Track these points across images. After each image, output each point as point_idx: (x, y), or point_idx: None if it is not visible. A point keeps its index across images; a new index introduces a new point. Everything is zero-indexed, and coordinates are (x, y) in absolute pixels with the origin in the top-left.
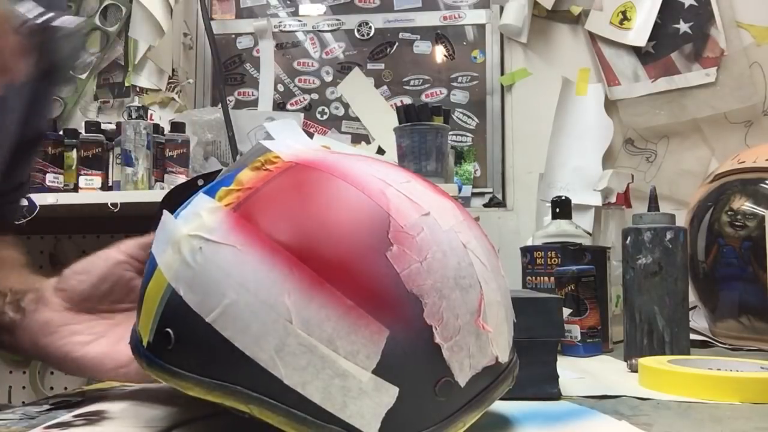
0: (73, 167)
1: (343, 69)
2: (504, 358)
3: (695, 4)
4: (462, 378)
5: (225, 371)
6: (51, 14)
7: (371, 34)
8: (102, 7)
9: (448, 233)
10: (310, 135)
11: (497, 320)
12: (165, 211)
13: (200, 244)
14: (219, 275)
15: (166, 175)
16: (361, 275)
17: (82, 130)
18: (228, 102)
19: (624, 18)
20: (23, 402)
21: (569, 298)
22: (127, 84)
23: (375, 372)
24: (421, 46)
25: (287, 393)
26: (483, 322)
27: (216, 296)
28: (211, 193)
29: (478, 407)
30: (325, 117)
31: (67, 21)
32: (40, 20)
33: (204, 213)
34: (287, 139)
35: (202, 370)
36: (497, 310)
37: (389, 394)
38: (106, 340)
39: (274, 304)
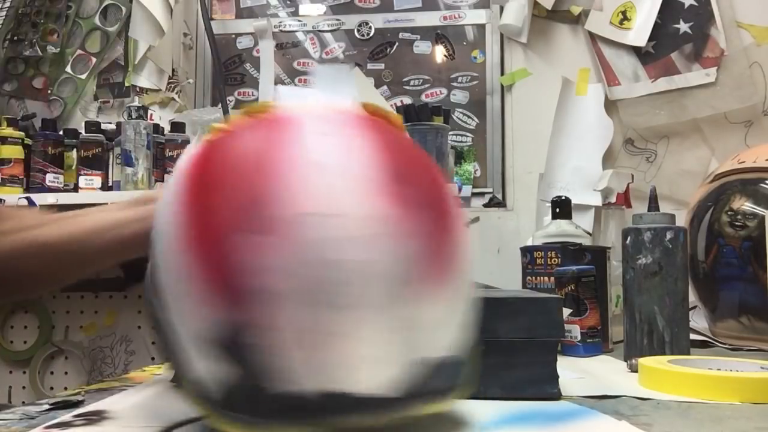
0: (73, 167)
1: None
2: (367, 389)
3: (695, 4)
4: (304, 387)
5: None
6: None
7: (371, 34)
8: (102, 7)
9: (330, 242)
10: None
11: (369, 351)
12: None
13: (174, 170)
14: (160, 204)
15: (166, 175)
16: (226, 253)
17: (82, 130)
18: (228, 102)
19: (624, 18)
20: (23, 402)
21: (569, 298)
22: (127, 84)
23: (202, 344)
24: (421, 46)
25: (165, 324)
26: (325, 341)
27: (157, 220)
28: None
29: (296, 423)
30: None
31: None
32: None
33: (196, 141)
34: (324, 90)
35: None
36: (371, 341)
37: (212, 367)
38: None
39: (169, 243)
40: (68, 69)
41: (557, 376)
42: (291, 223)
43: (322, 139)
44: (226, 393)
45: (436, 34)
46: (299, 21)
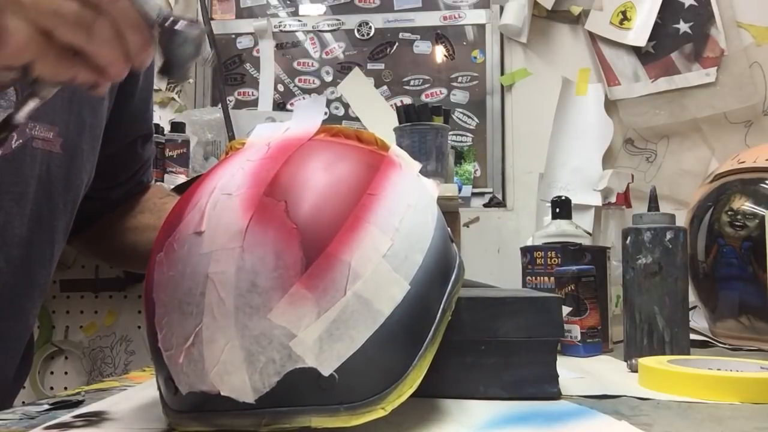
0: None
1: (343, 69)
2: (236, 395)
3: (695, 4)
4: (181, 387)
5: None
6: (176, 18)
7: (371, 34)
8: None
9: (203, 257)
10: None
11: (223, 357)
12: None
13: None
14: None
15: (166, 175)
16: (149, 270)
17: None
18: (228, 102)
19: (624, 18)
20: (23, 402)
21: (569, 298)
22: None
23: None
24: (421, 46)
25: None
26: (193, 351)
27: None
28: None
29: (199, 422)
30: (325, 117)
31: (189, 27)
32: (166, 22)
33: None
34: (301, 120)
35: None
36: (223, 348)
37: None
38: None
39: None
40: None
41: (557, 376)
42: (178, 243)
43: (231, 165)
44: (161, 392)
45: (436, 34)
46: (299, 21)
